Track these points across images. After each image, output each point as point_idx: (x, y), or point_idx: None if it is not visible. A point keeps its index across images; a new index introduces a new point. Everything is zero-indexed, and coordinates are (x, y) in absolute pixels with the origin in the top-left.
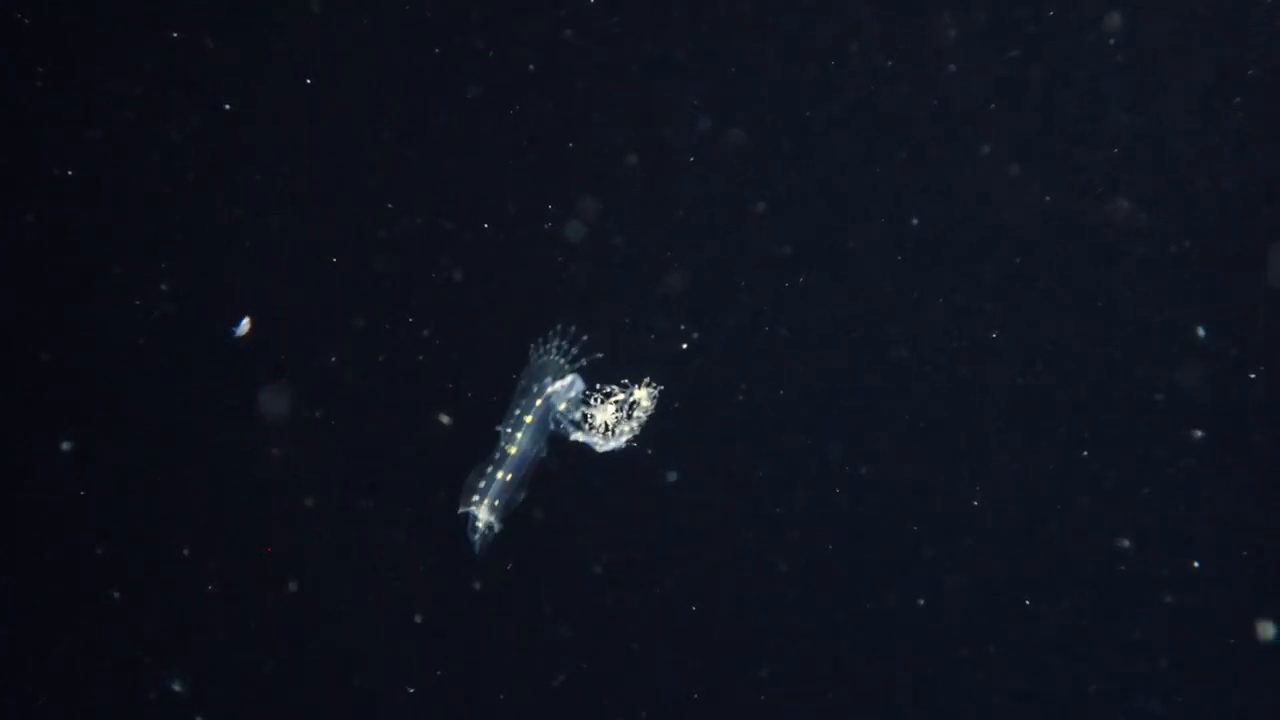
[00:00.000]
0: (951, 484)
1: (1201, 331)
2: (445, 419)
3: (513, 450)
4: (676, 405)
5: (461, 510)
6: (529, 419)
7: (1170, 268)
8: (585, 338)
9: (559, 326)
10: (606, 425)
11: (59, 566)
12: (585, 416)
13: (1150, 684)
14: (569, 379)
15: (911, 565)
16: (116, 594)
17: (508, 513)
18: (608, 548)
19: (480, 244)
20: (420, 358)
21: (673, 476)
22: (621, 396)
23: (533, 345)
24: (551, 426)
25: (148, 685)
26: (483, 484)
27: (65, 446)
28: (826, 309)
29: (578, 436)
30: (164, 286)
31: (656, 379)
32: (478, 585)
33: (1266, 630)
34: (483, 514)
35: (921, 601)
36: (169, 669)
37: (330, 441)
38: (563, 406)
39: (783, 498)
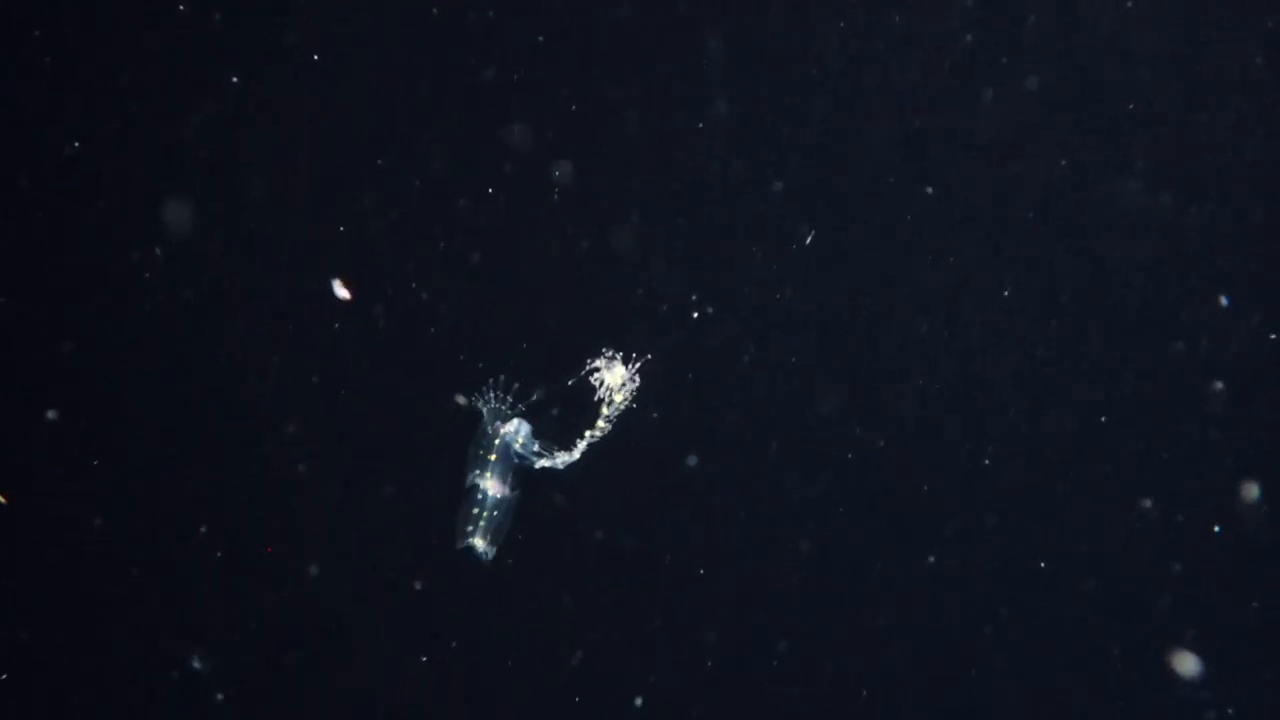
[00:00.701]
0: (969, 451)
1: (1224, 301)
2: (461, 400)
3: (489, 485)
4: (690, 376)
5: (459, 546)
6: (493, 457)
7: (1191, 235)
8: (516, 384)
9: (491, 379)
10: (613, 387)
11: (74, 548)
12: (542, 448)
13: (1171, 653)
14: (514, 423)
15: (927, 534)
16: (135, 571)
17: (500, 536)
18: (621, 529)
19: (487, 220)
20: (431, 329)
21: (692, 461)
22: (624, 373)
23: (478, 394)
24: (515, 461)
25: (168, 664)
26: (469, 524)
27: (80, 434)
28: (839, 282)
29: (542, 464)
30: (159, 252)
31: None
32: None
33: (1251, 491)
34: (478, 544)
35: (932, 558)
36: (189, 647)
37: (342, 424)
38: (518, 445)
39: (797, 472)
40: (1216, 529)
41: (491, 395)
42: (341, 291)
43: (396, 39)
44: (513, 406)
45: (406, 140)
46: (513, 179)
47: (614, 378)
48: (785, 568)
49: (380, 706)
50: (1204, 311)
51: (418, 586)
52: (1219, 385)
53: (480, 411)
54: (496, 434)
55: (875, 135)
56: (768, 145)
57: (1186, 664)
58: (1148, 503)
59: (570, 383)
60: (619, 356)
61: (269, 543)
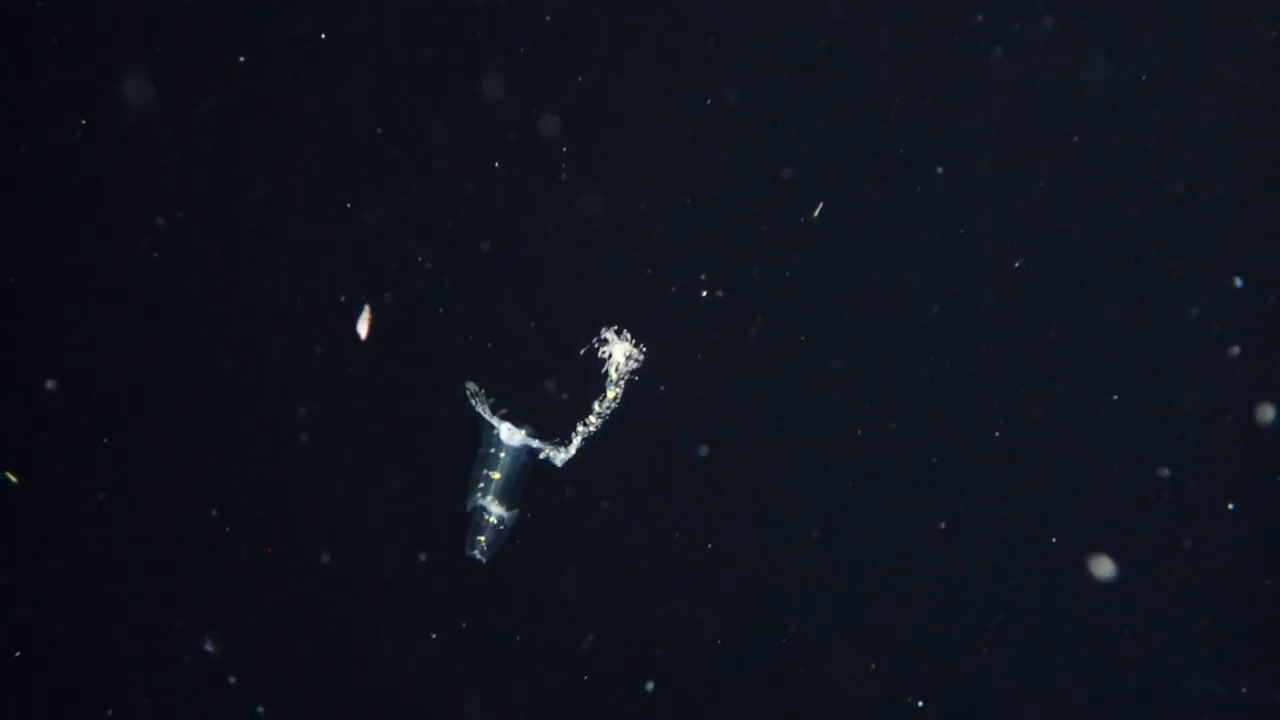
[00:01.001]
0: (982, 433)
1: (1239, 282)
2: (472, 385)
3: (496, 475)
4: (700, 356)
5: (470, 507)
6: (503, 438)
7: (1207, 215)
8: (492, 399)
9: (470, 385)
10: (619, 361)
11: (85, 530)
12: (540, 444)
13: (1191, 633)
14: (504, 428)
15: (940, 517)
16: (147, 554)
17: (514, 501)
18: (630, 513)
19: (493, 202)
20: (440, 310)
21: (702, 447)
22: (628, 349)
23: (478, 391)
24: (524, 452)
25: (180, 648)
26: (480, 489)
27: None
28: (849, 263)
29: (544, 454)
30: (165, 231)
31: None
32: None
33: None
34: (492, 509)
35: (944, 544)
36: (201, 631)
37: (352, 407)
38: (517, 442)
39: (808, 456)
40: (1230, 506)
41: (482, 399)
42: (363, 326)
43: (400, 17)
44: (508, 405)
45: (411, 122)
46: (519, 160)
47: (619, 353)
48: (795, 552)
49: (391, 687)
50: (1218, 292)
51: (422, 558)
52: (1232, 367)
53: (484, 401)
54: (498, 435)
55: (885, 115)
56: (777, 125)
57: (1103, 568)
58: (1164, 472)
59: (581, 351)
60: (625, 334)
61: (280, 527)
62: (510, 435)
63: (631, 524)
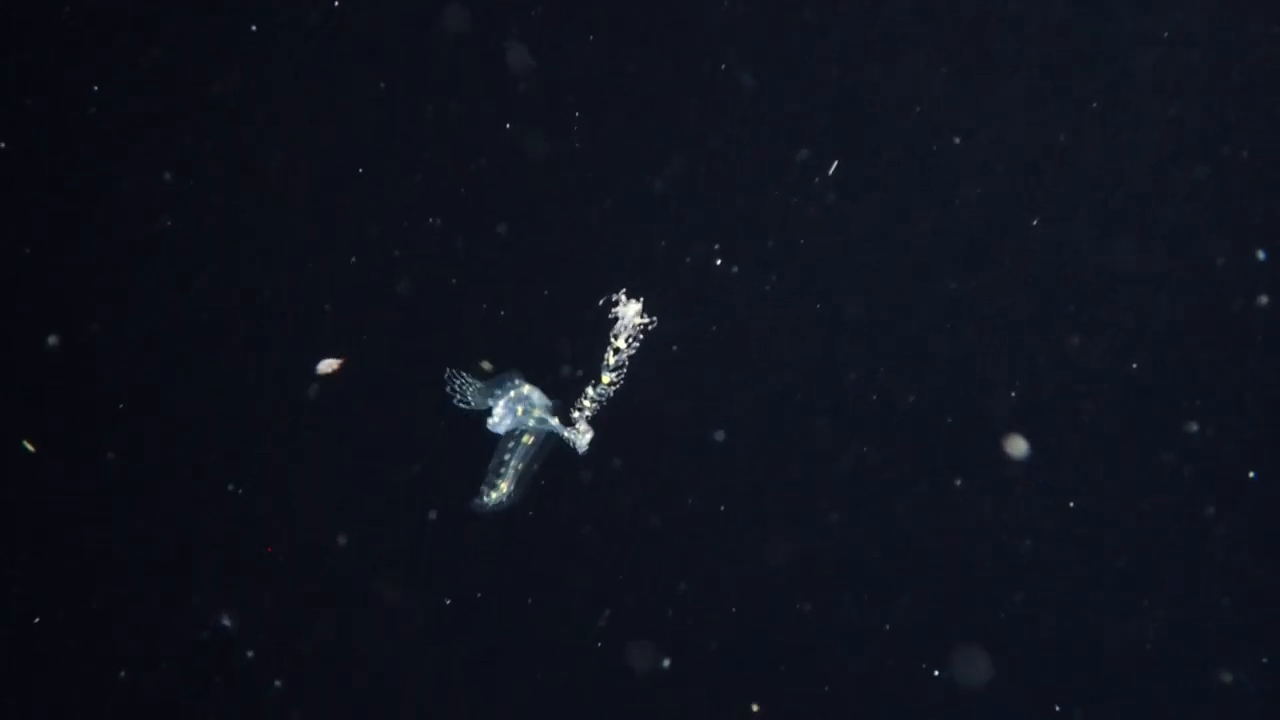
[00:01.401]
0: (1000, 405)
1: (1261, 255)
2: (487, 365)
3: (528, 440)
4: (714, 328)
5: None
6: (530, 421)
7: (1227, 188)
8: (477, 384)
9: (450, 372)
10: (631, 322)
11: (105, 504)
12: (552, 412)
13: (1208, 621)
14: (499, 408)
15: (960, 492)
16: (166, 531)
17: (525, 481)
18: (644, 490)
19: (510, 185)
20: (453, 281)
21: (720, 436)
22: (637, 309)
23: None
24: (532, 423)
25: (199, 622)
26: (494, 466)
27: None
28: (865, 238)
29: (566, 435)
30: (177, 220)
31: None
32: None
33: None
34: (504, 486)
35: (962, 524)
36: (220, 605)
37: (370, 388)
38: (522, 416)
39: (823, 432)
40: (1252, 475)
41: (495, 374)
42: (325, 367)
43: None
44: (524, 380)
45: (423, 93)
46: (531, 130)
47: (630, 313)
48: (809, 527)
49: (406, 662)
50: (1239, 266)
51: (433, 516)
52: (1257, 333)
53: (500, 379)
54: (512, 397)
55: (901, 88)
56: (793, 97)
57: (1017, 446)
58: (1194, 426)
59: (600, 302)
60: (638, 298)
61: (297, 505)
62: (510, 411)
63: (645, 498)
